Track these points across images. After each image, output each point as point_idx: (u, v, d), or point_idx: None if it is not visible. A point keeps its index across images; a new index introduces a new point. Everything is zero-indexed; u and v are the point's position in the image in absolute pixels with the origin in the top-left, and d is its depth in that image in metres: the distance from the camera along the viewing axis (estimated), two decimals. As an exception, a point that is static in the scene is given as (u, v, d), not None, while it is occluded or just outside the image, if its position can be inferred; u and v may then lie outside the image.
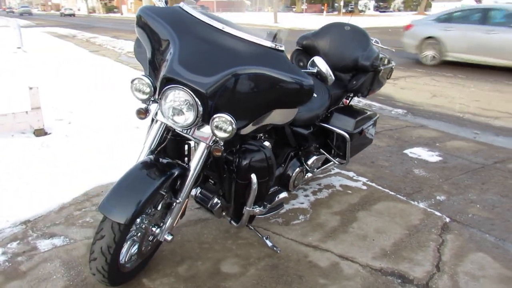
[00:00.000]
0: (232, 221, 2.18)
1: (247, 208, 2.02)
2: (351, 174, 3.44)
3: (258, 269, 2.17)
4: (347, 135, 2.66)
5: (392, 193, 3.11)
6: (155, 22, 1.98)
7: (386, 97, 6.43)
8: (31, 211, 2.76)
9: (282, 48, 1.87)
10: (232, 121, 1.71)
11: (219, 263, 2.22)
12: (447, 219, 2.72)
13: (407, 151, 4.04)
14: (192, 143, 2.25)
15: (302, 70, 1.90)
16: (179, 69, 1.77)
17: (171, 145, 2.12)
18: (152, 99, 1.94)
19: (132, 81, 1.88)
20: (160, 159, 1.93)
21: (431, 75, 8.32)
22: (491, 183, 3.33)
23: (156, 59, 2.00)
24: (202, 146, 1.89)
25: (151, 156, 1.93)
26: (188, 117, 1.79)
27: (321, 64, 1.99)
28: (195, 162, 1.91)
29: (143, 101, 1.92)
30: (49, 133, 4.25)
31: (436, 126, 5.02)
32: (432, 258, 2.28)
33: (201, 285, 2.05)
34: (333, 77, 1.99)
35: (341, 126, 2.69)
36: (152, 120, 2.24)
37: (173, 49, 1.84)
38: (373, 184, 3.25)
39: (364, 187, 3.20)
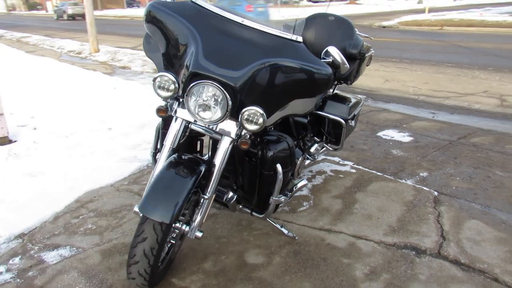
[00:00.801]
0: (254, 213, 2.21)
1: (274, 198, 2.06)
2: (336, 159, 3.59)
3: (282, 257, 2.23)
4: (343, 121, 2.78)
5: (380, 173, 3.30)
6: (169, 17, 1.94)
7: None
8: (23, 224, 2.59)
9: (301, 40, 1.92)
10: (263, 113, 1.74)
11: (242, 255, 2.25)
12: (436, 193, 2.95)
13: (380, 134, 4.28)
14: (205, 138, 2.25)
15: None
16: (206, 64, 1.77)
17: (185, 142, 2.11)
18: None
19: (155, 79, 1.84)
20: (183, 156, 1.91)
21: (378, 61, 8.76)
22: (462, 157, 3.63)
23: (172, 55, 1.97)
24: (226, 140, 1.90)
25: (175, 155, 1.90)
26: (216, 112, 1.79)
27: (335, 53, 2.06)
28: (220, 157, 1.91)
29: (166, 98, 1.88)
30: (15, 141, 3.96)
31: (396, 109, 5.33)
32: (435, 229, 2.47)
33: (232, 278, 2.07)
34: (348, 66, 2.08)
35: (336, 113, 2.80)
36: (163, 118, 2.21)
37: (195, 44, 1.83)
38: (360, 167, 3.42)
39: (353, 170, 3.35)
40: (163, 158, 1.93)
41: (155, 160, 2.37)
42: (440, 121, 4.78)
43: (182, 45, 1.91)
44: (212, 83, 1.74)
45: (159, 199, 1.68)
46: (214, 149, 2.22)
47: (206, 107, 1.80)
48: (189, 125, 1.98)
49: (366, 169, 3.37)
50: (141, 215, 1.87)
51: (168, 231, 1.74)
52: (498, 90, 6.18)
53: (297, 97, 1.97)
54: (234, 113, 1.80)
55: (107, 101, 5.18)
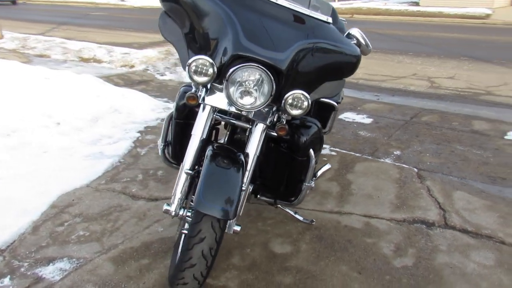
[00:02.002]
0: (277, 202, 2.13)
1: (306, 184, 2.02)
2: (312, 143, 3.62)
3: (307, 243, 2.20)
4: (336, 104, 2.81)
5: (358, 154, 3.42)
6: None
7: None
8: (-3, 238, 2.21)
9: (331, 21, 1.88)
10: (308, 96, 1.69)
11: (267, 246, 2.17)
12: (415, 169, 3.14)
13: (341, 117, 4.42)
14: (219, 127, 2.13)
15: None
16: (250, 46, 1.65)
17: None
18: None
19: (190, 63, 1.66)
20: (217, 147, 1.78)
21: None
22: (422, 135, 3.91)
23: (199, 36, 1.80)
24: (259, 127, 1.80)
25: (212, 147, 1.76)
26: (259, 97, 1.68)
27: (358, 35, 2.06)
28: (255, 145, 1.80)
29: (200, 84, 1.72)
30: None
31: (344, 93, 5.55)
32: (432, 202, 2.64)
33: (268, 270, 1.99)
34: (371, 47, 2.09)
35: (329, 97, 2.81)
36: (178, 108, 2.04)
37: (231, 24, 1.69)
38: (338, 149, 3.51)
39: (333, 153, 3.43)
40: (193, 150, 1.78)
41: (164, 154, 2.17)
42: (386, 103, 5.09)
43: (212, 25, 1.75)
44: (258, 66, 1.63)
45: (216, 195, 1.54)
46: (231, 138, 2.10)
47: (247, 92, 1.69)
48: (214, 114, 1.85)
49: (345, 151, 3.47)
50: (181, 215, 1.72)
51: (225, 228, 1.61)
52: (424, 73, 6.76)
53: (330, 79, 1.93)
54: (276, 98, 1.72)
55: (44, 93, 4.60)
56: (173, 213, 1.77)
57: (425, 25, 14.23)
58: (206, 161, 1.65)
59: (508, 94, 5.51)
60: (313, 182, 2.07)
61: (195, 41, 1.82)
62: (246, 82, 1.66)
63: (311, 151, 1.97)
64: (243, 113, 1.79)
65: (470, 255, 2.11)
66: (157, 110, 4.47)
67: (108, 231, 2.30)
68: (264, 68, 1.63)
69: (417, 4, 19.16)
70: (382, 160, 3.31)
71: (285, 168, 2.01)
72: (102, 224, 2.37)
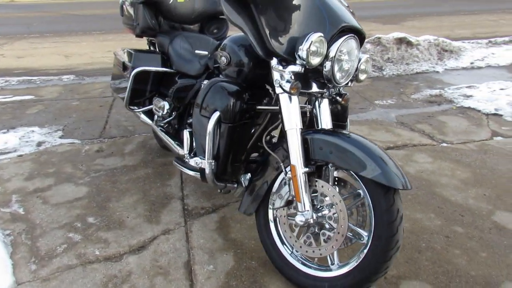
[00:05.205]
0: None
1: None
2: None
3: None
4: None
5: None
6: None
7: (38, 69, 5.58)
8: None
9: None
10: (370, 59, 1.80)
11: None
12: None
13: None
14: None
15: None
16: (345, 17, 1.60)
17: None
18: None
19: (310, 44, 1.45)
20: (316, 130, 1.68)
21: (22, 39, 7.57)
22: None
23: (285, 15, 1.56)
24: (326, 102, 1.75)
25: (315, 131, 1.64)
26: (351, 70, 1.65)
27: None
28: (327, 120, 1.72)
29: (313, 66, 1.51)
30: None
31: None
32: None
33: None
34: None
35: None
36: (227, 109, 1.71)
37: None
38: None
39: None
40: (298, 145, 1.56)
41: (214, 175, 1.74)
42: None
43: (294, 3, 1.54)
44: (353, 36, 1.60)
45: (386, 164, 1.45)
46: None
47: (342, 66, 1.62)
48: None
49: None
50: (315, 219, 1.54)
51: None
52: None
53: None
54: None
55: None
56: (311, 221, 1.55)
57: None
58: (344, 139, 1.51)
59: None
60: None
61: (276, 22, 1.52)
62: (347, 55, 1.60)
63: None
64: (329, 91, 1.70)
65: (417, 160, 2.77)
66: None
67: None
68: (357, 37, 1.61)
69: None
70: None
71: None
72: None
